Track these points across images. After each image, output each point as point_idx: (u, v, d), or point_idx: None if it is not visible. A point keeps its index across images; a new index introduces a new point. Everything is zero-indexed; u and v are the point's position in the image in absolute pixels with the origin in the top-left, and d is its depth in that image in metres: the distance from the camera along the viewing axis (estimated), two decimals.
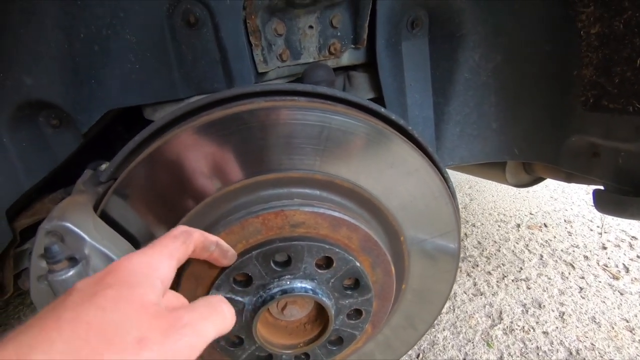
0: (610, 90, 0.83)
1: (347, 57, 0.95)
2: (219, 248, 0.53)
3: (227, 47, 0.77)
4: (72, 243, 0.49)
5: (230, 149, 0.57)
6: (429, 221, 0.70)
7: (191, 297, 0.60)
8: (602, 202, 0.97)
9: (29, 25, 0.71)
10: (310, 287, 0.59)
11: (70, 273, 0.46)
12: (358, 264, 0.61)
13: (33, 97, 0.79)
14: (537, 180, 1.39)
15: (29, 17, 0.71)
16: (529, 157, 1.09)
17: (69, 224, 0.48)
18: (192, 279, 0.59)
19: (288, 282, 0.59)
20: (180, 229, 0.47)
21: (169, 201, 0.58)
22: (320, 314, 0.67)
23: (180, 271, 0.61)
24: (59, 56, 0.75)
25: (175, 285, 0.62)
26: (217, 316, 0.41)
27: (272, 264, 0.58)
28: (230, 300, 0.59)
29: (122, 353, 0.31)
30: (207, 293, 0.59)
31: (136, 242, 0.59)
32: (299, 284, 0.59)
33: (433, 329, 1.48)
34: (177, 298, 0.47)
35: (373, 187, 0.64)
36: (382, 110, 0.62)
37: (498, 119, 1.05)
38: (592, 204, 1.01)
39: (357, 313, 0.66)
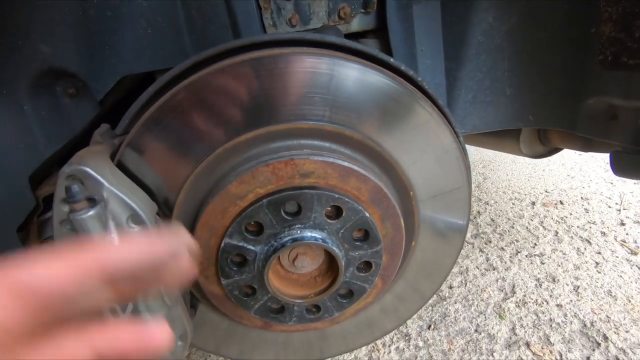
0: (630, 46, 0.81)
1: (357, 23, 0.94)
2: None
3: (237, 11, 0.78)
4: (91, 186, 0.51)
5: (239, 99, 0.58)
6: (439, 176, 0.70)
7: (205, 247, 0.62)
8: (621, 164, 0.94)
9: None
10: (320, 236, 0.61)
11: (90, 213, 0.48)
12: (367, 214, 0.61)
13: (50, 65, 0.82)
14: (553, 151, 1.36)
15: None
16: (544, 124, 1.07)
17: (87, 168, 0.50)
18: (206, 229, 0.61)
19: (298, 231, 0.60)
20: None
21: (181, 153, 0.60)
22: (330, 266, 0.69)
23: (194, 222, 0.63)
24: (74, 23, 0.77)
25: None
26: None
27: (282, 213, 0.59)
28: (242, 249, 0.61)
29: None
30: (220, 242, 0.60)
31: (151, 193, 0.61)
32: (309, 233, 0.60)
33: (444, 302, 1.48)
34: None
35: (383, 140, 0.64)
36: (391, 60, 0.62)
37: (512, 84, 1.03)
38: (610, 167, 0.98)
39: (367, 265, 0.67)
